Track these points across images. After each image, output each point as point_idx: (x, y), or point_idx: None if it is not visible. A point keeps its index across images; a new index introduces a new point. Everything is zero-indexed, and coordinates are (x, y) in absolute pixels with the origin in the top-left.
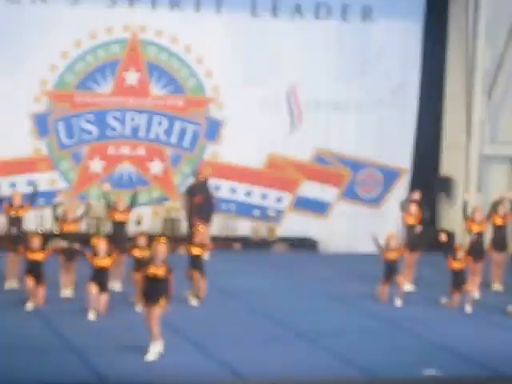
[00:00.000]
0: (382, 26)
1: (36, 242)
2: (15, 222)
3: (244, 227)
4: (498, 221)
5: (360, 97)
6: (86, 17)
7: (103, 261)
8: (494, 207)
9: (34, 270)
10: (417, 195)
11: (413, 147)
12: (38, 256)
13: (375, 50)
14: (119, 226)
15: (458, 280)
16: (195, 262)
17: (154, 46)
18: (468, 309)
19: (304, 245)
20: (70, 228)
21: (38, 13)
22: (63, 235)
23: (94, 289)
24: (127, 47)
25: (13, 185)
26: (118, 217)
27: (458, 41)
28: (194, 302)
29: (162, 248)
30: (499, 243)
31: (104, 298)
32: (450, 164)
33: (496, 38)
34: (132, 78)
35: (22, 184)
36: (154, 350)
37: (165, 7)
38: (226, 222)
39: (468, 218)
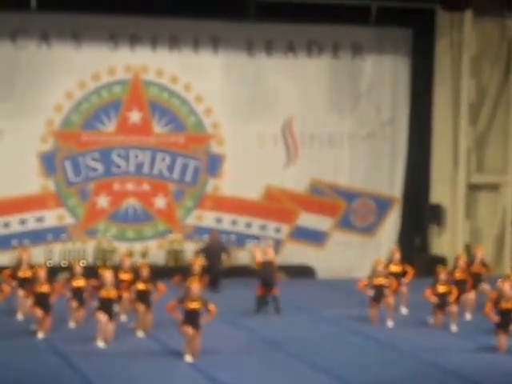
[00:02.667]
0: (371, 62)
1: (43, 275)
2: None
3: (244, 257)
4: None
5: (352, 130)
6: (90, 59)
7: (110, 292)
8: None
9: (42, 301)
10: (397, 255)
11: (403, 177)
12: (45, 288)
13: (366, 86)
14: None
15: (442, 302)
16: (141, 296)
17: (155, 85)
18: (453, 328)
19: (302, 272)
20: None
21: (44, 56)
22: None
23: (103, 317)
24: (129, 87)
25: (22, 221)
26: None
27: (444, 75)
28: (140, 333)
29: (195, 286)
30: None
31: (111, 326)
32: (439, 192)
33: (480, 72)
34: (135, 116)
35: (31, 221)
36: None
37: (164, 49)
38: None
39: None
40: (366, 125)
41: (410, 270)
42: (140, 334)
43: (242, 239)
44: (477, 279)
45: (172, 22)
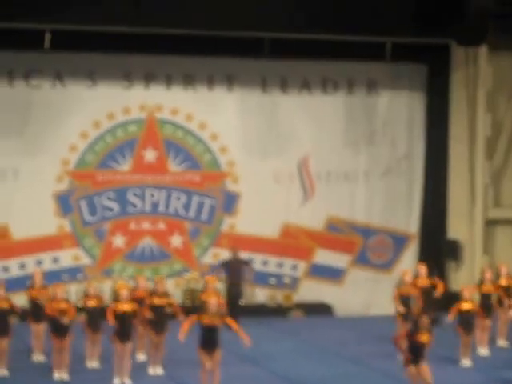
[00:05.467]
0: (386, 98)
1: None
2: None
3: (261, 295)
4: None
5: (368, 166)
6: (104, 98)
7: (125, 306)
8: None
9: (59, 329)
10: (423, 270)
11: (420, 213)
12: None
13: (381, 122)
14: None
15: (465, 322)
16: (157, 312)
17: (170, 124)
18: (466, 362)
19: (320, 310)
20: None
21: (58, 96)
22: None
23: (119, 345)
24: (144, 126)
25: (38, 262)
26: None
27: (459, 110)
28: (158, 370)
29: (213, 300)
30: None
31: (128, 347)
32: (456, 228)
33: (496, 107)
34: (150, 155)
35: (47, 261)
36: None
37: (179, 87)
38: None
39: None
40: (382, 161)
41: (440, 283)
42: (158, 370)
43: (258, 277)
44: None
45: (186, 60)
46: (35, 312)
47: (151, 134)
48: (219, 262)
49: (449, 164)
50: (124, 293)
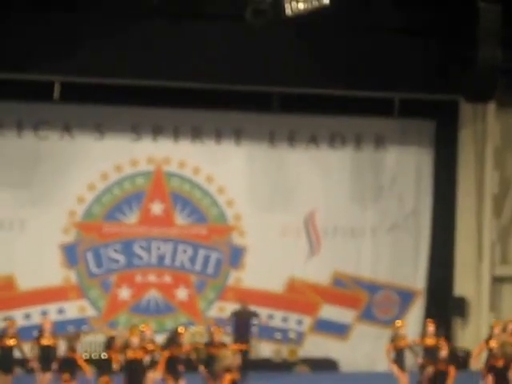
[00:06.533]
0: (394, 153)
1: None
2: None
3: (266, 349)
4: None
5: (375, 222)
6: (112, 151)
7: (136, 352)
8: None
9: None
10: (431, 328)
11: (427, 269)
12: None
13: (389, 177)
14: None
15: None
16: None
17: (177, 177)
18: None
19: (325, 365)
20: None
21: (66, 147)
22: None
23: None
24: (152, 179)
25: (44, 313)
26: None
27: (467, 167)
28: None
29: (235, 357)
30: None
31: None
32: (463, 284)
33: (504, 163)
34: (157, 208)
35: (53, 312)
36: None
37: (187, 140)
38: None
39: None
40: (389, 217)
41: (445, 345)
42: None
43: (264, 331)
44: None
45: (194, 113)
46: (43, 361)
47: (158, 186)
48: (231, 312)
49: (456, 220)
50: (134, 341)
